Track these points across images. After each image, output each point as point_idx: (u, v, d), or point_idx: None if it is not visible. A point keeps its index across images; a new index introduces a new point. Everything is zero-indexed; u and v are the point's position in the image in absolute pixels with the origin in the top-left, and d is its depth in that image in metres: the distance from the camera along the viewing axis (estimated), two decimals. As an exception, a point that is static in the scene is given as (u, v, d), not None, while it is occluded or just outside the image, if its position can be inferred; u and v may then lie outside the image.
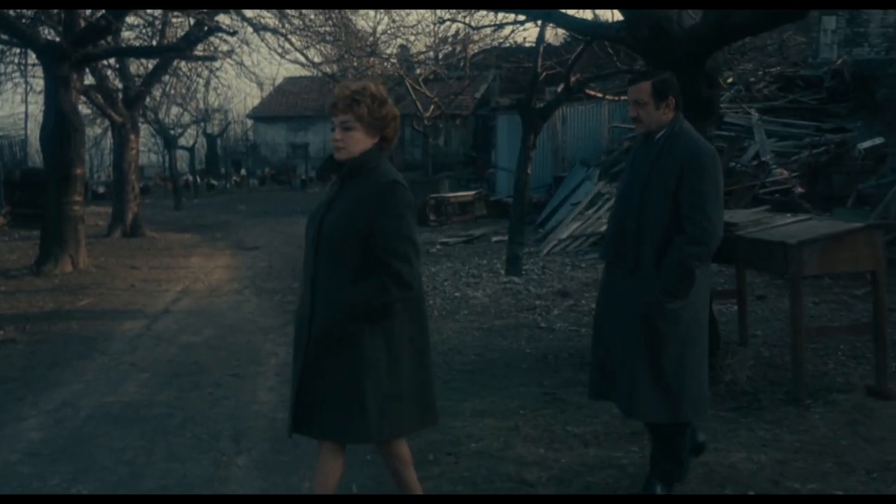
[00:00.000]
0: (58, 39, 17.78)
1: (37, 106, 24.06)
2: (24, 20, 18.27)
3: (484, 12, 19.45)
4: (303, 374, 4.53)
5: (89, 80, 23.23)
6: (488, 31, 26.41)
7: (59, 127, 17.23)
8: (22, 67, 24.83)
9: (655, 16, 8.14)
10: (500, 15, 16.34)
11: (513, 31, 28.00)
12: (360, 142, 4.55)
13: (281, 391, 8.47)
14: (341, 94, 4.55)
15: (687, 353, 5.33)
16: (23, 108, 32.40)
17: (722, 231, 5.36)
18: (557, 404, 7.76)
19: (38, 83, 20.69)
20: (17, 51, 22.68)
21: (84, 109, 26.31)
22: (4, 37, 19.71)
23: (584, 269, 15.77)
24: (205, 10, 17.79)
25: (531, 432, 7.07)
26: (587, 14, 14.98)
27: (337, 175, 4.66)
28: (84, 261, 17.75)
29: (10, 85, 26.36)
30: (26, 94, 27.30)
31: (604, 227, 17.94)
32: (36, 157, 28.88)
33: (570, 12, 9.56)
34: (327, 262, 4.49)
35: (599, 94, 18.44)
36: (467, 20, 18.67)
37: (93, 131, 37.27)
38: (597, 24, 9.67)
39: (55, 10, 18.38)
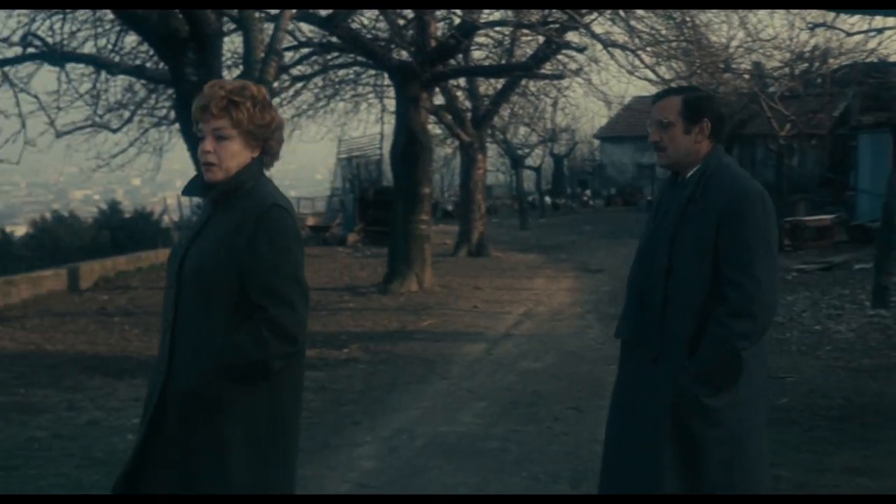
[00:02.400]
0: (409, 60, 18.03)
1: (391, 126, 24.72)
2: (379, 43, 18.66)
3: (855, 19, 18.01)
4: (145, 445, 3.49)
5: (440, 100, 23.57)
6: (851, 45, 24.75)
7: (409, 146, 17.46)
8: (377, 88, 25.56)
9: None
10: (875, 20, 14.99)
11: (880, 44, 26.03)
12: (236, 155, 3.57)
13: (624, 430, 7.85)
14: (214, 94, 3.56)
15: (736, 469, 3.96)
16: (377, 128, 33.41)
17: (777, 298, 4.06)
18: (948, 466, 6.67)
19: (393, 103, 21.11)
20: (373, 72, 23.29)
21: (434, 129, 26.81)
22: (361, 59, 20.22)
23: (965, 303, 14.11)
24: (553, 28, 17.47)
25: (916, 499, 6.06)
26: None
27: (206, 198, 3.67)
28: (429, 280, 17.87)
29: (365, 105, 27.25)
30: (382, 114, 28.13)
31: None
32: (390, 175, 29.81)
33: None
34: (192, 306, 3.49)
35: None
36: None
37: (443, 151, 38.11)
38: None
39: (409, 32, 18.67)
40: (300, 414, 3.68)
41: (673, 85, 22.82)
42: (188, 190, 3.74)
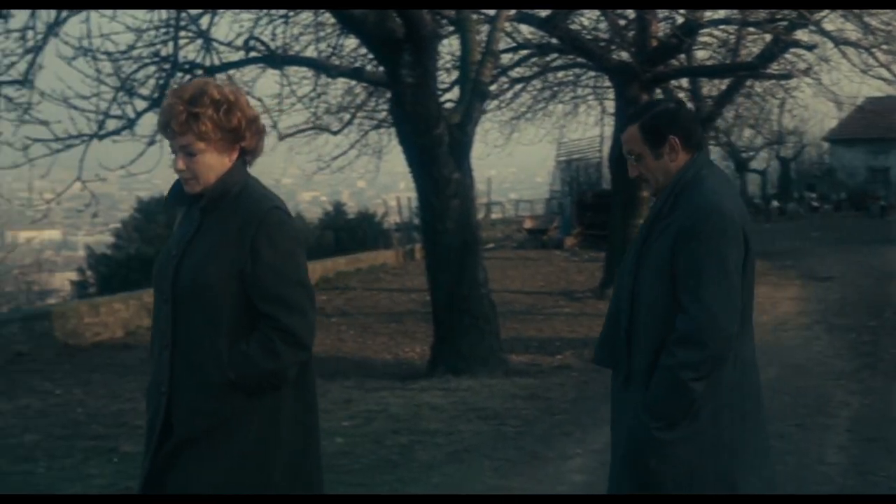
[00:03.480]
0: (629, 61, 17.66)
1: (611, 128, 24.37)
2: (599, 43, 18.35)
3: None
4: (150, 473, 3.30)
5: (661, 101, 23.01)
6: None
7: (627, 149, 17.11)
8: (597, 90, 25.21)
9: None
10: None
11: None
12: (213, 166, 3.35)
13: (852, 451, 7.34)
14: (173, 110, 3.29)
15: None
16: (597, 130, 33.04)
17: (732, 326, 3.55)
18: None
19: (612, 105, 20.75)
20: (593, 74, 22.96)
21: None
22: (581, 60, 19.96)
23: None
24: (781, 26, 16.76)
25: None
26: None
27: (190, 207, 3.45)
28: (646, 285, 17.44)
29: (584, 107, 26.95)
30: (602, 116, 27.75)
31: None
32: (609, 178, 29.46)
33: None
34: (192, 321, 3.28)
35: None
36: None
37: (664, 154, 37.39)
38: None
39: (630, 32, 18.29)
40: (314, 415, 3.48)
41: None
42: (172, 199, 3.50)
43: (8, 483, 6.46)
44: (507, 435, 7.99)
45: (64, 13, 9.54)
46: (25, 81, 9.51)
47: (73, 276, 32.95)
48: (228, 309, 3.27)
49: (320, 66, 12.79)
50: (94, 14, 10.42)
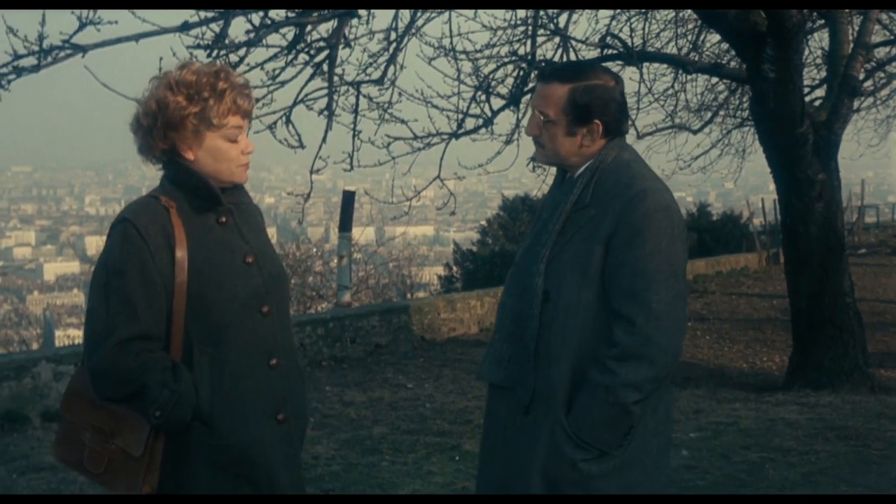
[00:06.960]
0: None
1: None
2: None
3: None
4: None
5: None
6: None
7: None
8: None
9: None
10: None
11: None
12: None
13: None
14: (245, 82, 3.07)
15: None
16: None
17: (681, 339, 3.07)
18: None
19: None
20: None
21: None
22: None
23: None
24: None
25: None
26: None
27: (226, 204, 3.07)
28: None
29: None
30: None
31: None
32: None
33: None
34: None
35: None
36: None
37: None
38: None
39: None
40: None
41: None
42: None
43: (352, 475, 6.61)
44: (870, 458, 7.33)
45: (422, 13, 9.74)
46: (383, 80, 9.79)
47: (441, 270, 34.17)
48: None
49: (678, 63, 12.41)
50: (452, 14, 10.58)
